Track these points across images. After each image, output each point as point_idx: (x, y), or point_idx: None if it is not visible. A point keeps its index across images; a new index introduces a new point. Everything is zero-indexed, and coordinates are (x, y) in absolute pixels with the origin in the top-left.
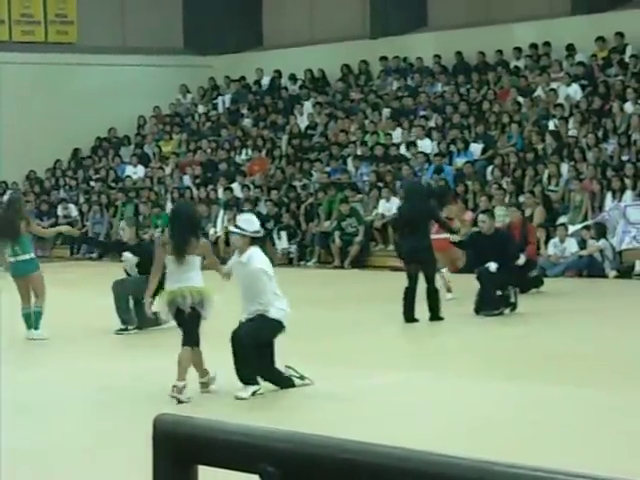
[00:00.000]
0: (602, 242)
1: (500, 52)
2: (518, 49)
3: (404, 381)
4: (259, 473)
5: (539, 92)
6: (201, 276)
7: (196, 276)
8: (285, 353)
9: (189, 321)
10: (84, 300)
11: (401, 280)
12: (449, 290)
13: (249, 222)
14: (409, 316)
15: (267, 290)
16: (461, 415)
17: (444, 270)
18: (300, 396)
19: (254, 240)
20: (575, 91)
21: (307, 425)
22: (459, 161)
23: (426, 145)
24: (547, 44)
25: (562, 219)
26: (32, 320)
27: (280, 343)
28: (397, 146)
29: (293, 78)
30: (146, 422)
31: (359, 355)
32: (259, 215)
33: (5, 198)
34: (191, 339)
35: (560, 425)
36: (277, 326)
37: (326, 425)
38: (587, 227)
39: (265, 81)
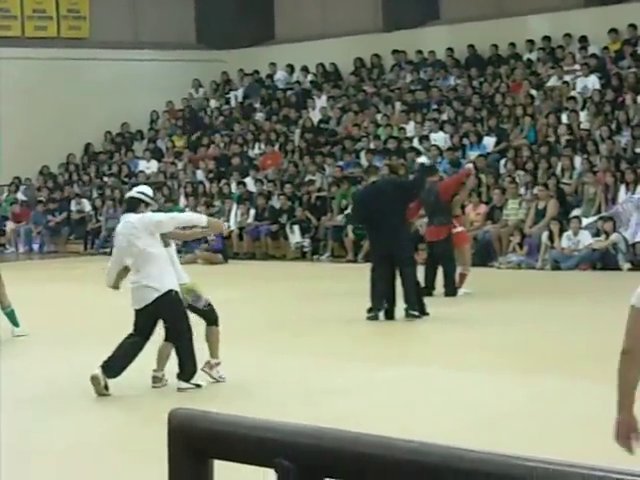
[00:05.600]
0: (615, 235)
1: (513, 45)
2: (531, 42)
3: (413, 374)
4: (274, 467)
5: (552, 84)
6: None
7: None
8: (295, 346)
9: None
10: (97, 296)
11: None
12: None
13: None
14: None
15: None
16: (472, 408)
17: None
18: (310, 389)
19: None
20: (593, 82)
21: (318, 419)
22: (472, 154)
23: (439, 138)
24: (563, 36)
25: (575, 212)
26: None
27: (291, 336)
28: (410, 139)
29: (305, 70)
30: (158, 416)
31: (369, 348)
32: (272, 209)
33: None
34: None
35: (574, 419)
36: None
37: (338, 418)
38: (601, 218)
39: (278, 75)
